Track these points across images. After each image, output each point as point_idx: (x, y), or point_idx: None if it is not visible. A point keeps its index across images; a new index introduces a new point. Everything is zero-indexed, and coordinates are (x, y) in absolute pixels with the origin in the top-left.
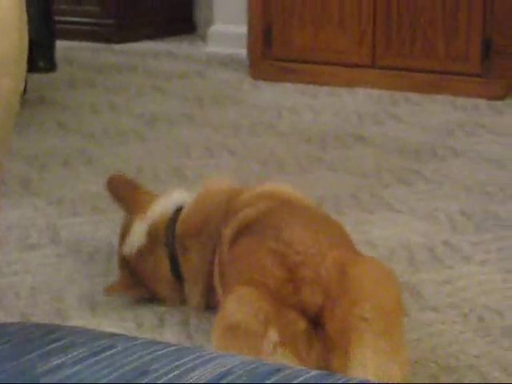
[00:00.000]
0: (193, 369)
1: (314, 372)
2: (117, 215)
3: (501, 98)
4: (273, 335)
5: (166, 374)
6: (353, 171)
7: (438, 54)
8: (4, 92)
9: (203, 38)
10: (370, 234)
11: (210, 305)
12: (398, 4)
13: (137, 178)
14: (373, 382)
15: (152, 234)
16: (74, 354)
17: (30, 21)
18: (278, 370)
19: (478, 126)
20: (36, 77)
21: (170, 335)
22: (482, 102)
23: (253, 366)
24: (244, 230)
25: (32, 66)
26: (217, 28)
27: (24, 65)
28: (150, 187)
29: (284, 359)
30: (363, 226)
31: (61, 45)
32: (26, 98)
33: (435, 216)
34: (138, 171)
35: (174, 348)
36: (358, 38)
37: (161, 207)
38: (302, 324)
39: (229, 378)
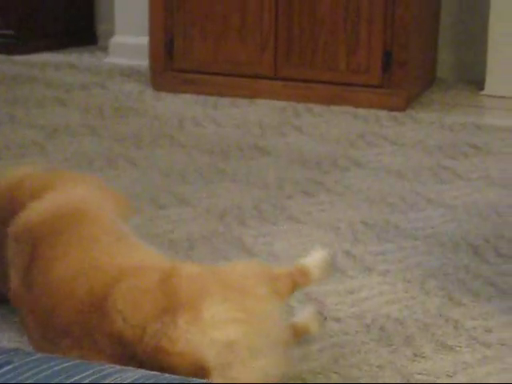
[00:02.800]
0: None
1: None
2: None
3: (401, 109)
4: None
5: None
6: (255, 183)
7: (340, 65)
8: None
9: (104, 50)
10: (273, 245)
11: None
12: (300, 16)
13: None
14: None
15: None
16: None
17: None
18: None
19: (380, 137)
20: None
21: None
22: (383, 113)
23: (151, 381)
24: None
25: None
26: (118, 39)
27: None
28: None
29: None
30: (266, 237)
31: None
32: None
33: (337, 227)
34: None
35: (71, 363)
36: (260, 50)
37: None
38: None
39: None
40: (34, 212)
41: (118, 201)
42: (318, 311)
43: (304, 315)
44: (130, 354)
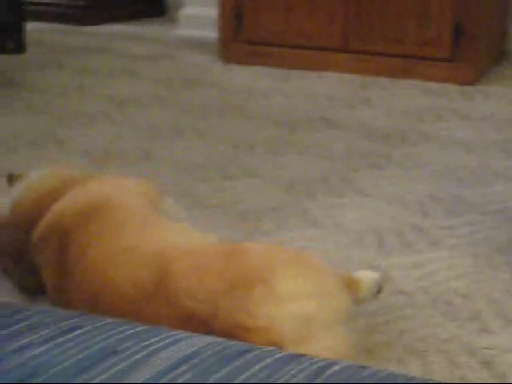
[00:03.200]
0: (162, 349)
1: (282, 353)
2: None
3: (471, 83)
4: None
5: (135, 353)
6: (323, 155)
7: (409, 38)
8: None
9: (173, 21)
10: (340, 218)
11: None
12: None
13: (105, 160)
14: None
15: None
16: (42, 333)
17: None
18: (246, 352)
19: (449, 111)
20: (5, 58)
21: None
22: (453, 87)
23: (220, 347)
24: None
25: (1, 48)
26: (187, 11)
27: None
28: (119, 169)
29: None
30: (333, 209)
31: (30, 27)
32: None
33: (405, 200)
34: (107, 153)
35: (142, 328)
36: (329, 22)
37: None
38: None
39: (197, 359)
40: (57, 213)
41: (144, 191)
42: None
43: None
44: (203, 331)
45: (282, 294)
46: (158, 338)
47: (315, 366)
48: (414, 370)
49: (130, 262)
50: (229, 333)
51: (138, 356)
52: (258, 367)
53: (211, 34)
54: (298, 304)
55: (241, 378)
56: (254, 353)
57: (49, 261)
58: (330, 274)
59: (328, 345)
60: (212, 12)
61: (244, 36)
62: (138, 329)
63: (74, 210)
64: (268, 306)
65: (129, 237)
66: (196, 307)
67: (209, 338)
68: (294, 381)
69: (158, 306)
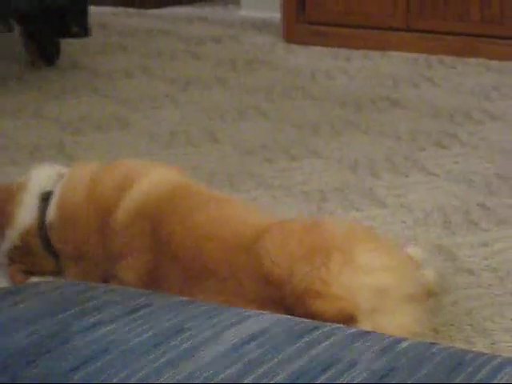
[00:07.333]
0: (230, 326)
1: (352, 329)
2: None
3: None
4: None
5: (202, 331)
6: (387, 134)
7: (473, 16)
8: None
9: (236, 2)
10: (405, 197)
11: None
12: None
13: (170, 142)
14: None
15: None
16: (110, 311)
17: None
18: (315, 328)
19: None
20: (69, 42)
21: None
22: None
23: (289, 324)
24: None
25: (65, 32)
26: None
27: None
28: (184, 150)
29: None
30: (398, 189)
31: (94, 10)
32: (60, 63)
33: (471, 179)
34: (172, 135)
35: (210, 307)
36: (392, 1)
37: (25, 207)
38: None
39: (265, 336)
40: (141, 195)
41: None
42: (437, 273)
43: (426, 276)
44: (276, 296)
45: (359, 264)
46: (225, 316)
47: (383, 343)
48: (481, 349)
49: (236, 224)
50: (300, 298)
51: (206, 333)
52: (325, 344)
53: (274, 14)
54: (375, 276)
55: (309, 355)
56: (322, 330)
57: (137, 245)
58: (401, 250)
59: (399, 319)
60: None
61: (307, 16)
62: (203, 308)
63: (157, 196)
64: (345, 275)
65: (233, 210)
66: (274, 270)
67: (276, 316)
68: (362, 357)
69: (247, 262)
